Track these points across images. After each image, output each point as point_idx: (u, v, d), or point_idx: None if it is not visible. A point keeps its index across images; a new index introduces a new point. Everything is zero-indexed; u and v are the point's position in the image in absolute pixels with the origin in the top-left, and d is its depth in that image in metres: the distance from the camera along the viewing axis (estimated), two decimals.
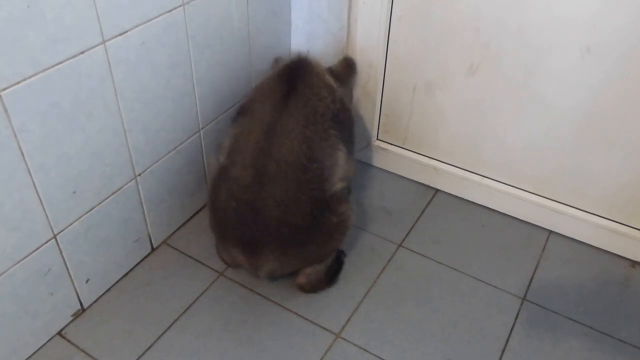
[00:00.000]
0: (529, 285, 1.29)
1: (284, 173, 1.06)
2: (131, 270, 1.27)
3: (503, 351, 1.15)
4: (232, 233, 1.11)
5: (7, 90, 0.84)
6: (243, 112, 1.17)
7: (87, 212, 1.09)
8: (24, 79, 0.86)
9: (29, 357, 1.09)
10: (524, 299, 1.26)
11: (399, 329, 1.18)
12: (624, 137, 1.24)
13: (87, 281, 1.15)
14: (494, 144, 1.41)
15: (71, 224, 1.06)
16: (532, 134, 1.34)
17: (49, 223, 1.02)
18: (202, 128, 1.31)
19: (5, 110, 0.85)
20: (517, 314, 1.22)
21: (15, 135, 0.88)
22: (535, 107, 1.30)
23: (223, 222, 1.13)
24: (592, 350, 1.16)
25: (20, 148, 0.90)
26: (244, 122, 1.14)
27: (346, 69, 1.41)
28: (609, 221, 1.36)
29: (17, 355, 1.06)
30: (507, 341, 1.16)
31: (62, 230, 1.05)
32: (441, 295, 1.26)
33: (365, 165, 1.63)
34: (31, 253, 1.00)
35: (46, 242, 1.02)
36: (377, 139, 1.60)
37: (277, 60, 1.36)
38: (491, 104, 1.36)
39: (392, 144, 1.58)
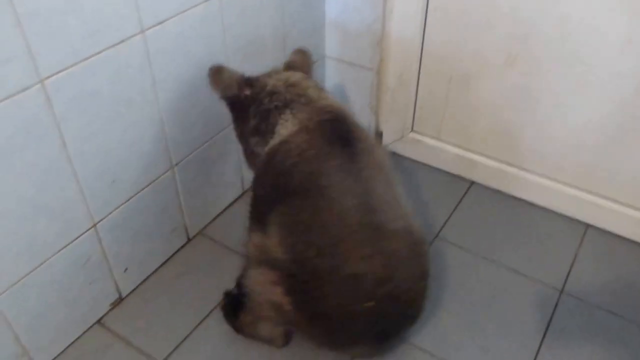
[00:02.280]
0: (566, 278, 1.26)
1: (403, 244, 0.92)
2: (168, 259, 1.28)
3: (541, 343, 1.12)
4: (363, 334, 0.93)
5: (50, 79, 0.85)
6: (285, 195, 0.94)
7: (125, 202, 1.10)
8: (66, 68, 0.87)
9: (69, 345, 1.10)
10: (561, 291, 1.23)
11: (436, 320, 1.16)
12: None
13: (125, 270, 1.17)
14: (532, 136, 1.38)
15: (110, 213, 1.07)
16: (571, 125, 1.30)
17: (89, 212, 1.03)
18: None
19: (48, 99, 0.86)
20: (555, 306, 1.20)
21: (57, 124, 0.89)
22: (575, 99, 1.26)
23: (346, 328, 0.92)
24: (630, 343, 1.12)
25: (62, 137, 0.91)
26: (306, 208, 0.91)
27: (307, 62, 1.16)
28: None
29: (57, 344, 1.08)
30: (545, 334, 1.14)
31: (101, 220, 1.06)
32: (478, 286, 1.24)
33: (399, 157, 1.61)
34: (71, 242, 1.02)
35: (86, 231, 1.04)
36: (412, 130, 1.58)
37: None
38: (529, 95, 1.32)
39: (427, 136, 1.56)
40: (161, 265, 1.27)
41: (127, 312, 1.17)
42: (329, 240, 0.88)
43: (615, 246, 1.34)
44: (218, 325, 1.15)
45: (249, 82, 1.05)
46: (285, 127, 0.98)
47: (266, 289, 0.93)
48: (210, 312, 1.17)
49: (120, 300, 1.19)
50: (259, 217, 0.98)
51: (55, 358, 1.08)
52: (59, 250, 1.00)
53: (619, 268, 1.29)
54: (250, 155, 1.10)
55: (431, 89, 1.48)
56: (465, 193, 1.50)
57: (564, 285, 1.24)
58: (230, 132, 1.30)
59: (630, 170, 1.29)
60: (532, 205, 1.45)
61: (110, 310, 1.17)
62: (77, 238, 1.02)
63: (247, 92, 1.04)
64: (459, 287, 1.23)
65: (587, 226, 1.39)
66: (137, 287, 1.22)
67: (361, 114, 1.61)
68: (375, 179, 0.95)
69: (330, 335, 0.93)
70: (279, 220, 0.92)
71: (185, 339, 1.13)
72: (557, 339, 1.13)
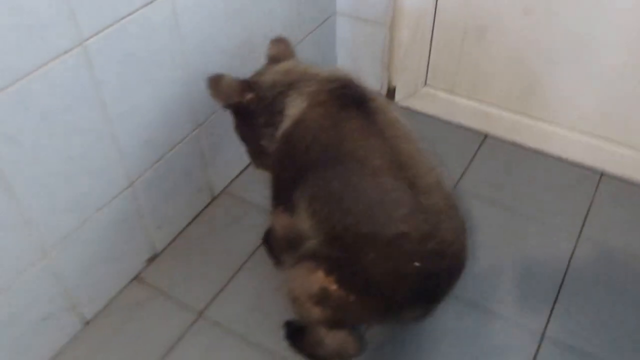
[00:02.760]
0: (583, 224, 1.31)
1: (439, 197, 0.90)
2: (196, 217, 1.32)
3: (560, 287, 1.18)
4: (415, 297, 0.91)
5: (90, 41, 0.87)
6: (311, 170, 0.92)
7: (157, 161, 1.13)
8: (104, 29, 0.89)
9: (110, 300, 1.16)
10: (578, 237, 1.28)
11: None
12: None
13: (158, 227, 1.21)
14: (547, 87, 1.40)
15: (144, 172, 1.11)
16: (586, 75, 1.33)
17: (127, 171, 1.06)
18: None
19: (89, 60, 0.88)
20: (573, 250, 1.25)
21: (97, 86, 0.92)
22: (591, 49, 1.29)
23: (397, 294, 0.90)
24: None
25: (101, 98, 0.93)
26: (335, 176, 0.90)
27: (289, 50, 1.13)
28: None
29: (98, 300, 1.13)
30: (564, 277, 1.20)
31: (137, 179, 1.09)
32: (495, 236, 1.29)
33: (413, 112, 1.64)
34: (111, 200, 1.05)
35: (124, 190, 1.07)
36: (425, 84, 1.60)
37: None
38: (545, 46, 1.34)
39: (440, 90, 1.59)
40: (190, 222, 1.31)
41: (163, 267, 1.22)
42: (365, 205, 0.87)
43: (630, 191, 1.39)
44: (250, 277, 1.20)
45: (248, 85, 1.02)
46: (295, 106, 0.96)
47: (307, 280, 0.92)
48: (242, 265, 1.23)
49: (155, 256, 1.23)
50: (285, 199, 0.98)
51: (99, 311, 1.13)
52: (101, 208, 1.04)
53: (635, 212, 1.34)
54: (256, 154, 1.10)
55: (445, 42, 1.49)
56: (480, 145, 1.53)
57: (581, 230, 1.30)
58: None
59: None
60: (546, 155, 1.48)
61: (146, 266, 1.22)
62: (116, 196, 1.06)
63: (249, 96, 1.01)
64: (480, 237, 1.28)
65: (602, 173, 1.43)
66: (170, 243, 1.26)
67: (373, 70, 1.62)
68: (397, 136, 0.93)
69: (382, 306, 0.92)
70: (308, 196, 0.92)
71: (221, 290, 1.18)
72: (576, 281, 1.19)
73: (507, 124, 1.52)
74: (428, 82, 1.60)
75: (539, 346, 1.09)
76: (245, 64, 1.26)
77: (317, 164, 0.91)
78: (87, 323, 1.11)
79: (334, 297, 0.90)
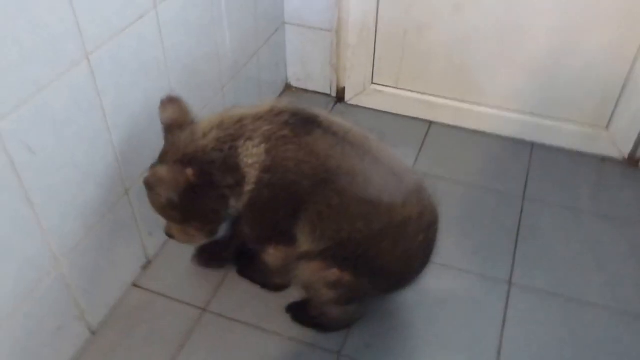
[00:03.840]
0: (525, 186, 1.51)
1: (420, 186, 1.02)
2: None
3: (516, 241, 1.36)
4: (419, 264, 1.06)
5: (93, 54, 0.93)
6: (303, 201, 0.97)
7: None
8: (104, 43, 0.94)
9: (114, 308, 1.19)
10: (523, 197, 1.48)
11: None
12: (585, 48, 1.47)
13: (150, 234, 1.25)
14: (480, 72, 1.60)
15: (139, 179, 1.15)
16: (513, 59, 1.54)
17: (122, 179, 1.11)
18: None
19: (92, 72, 0.93)
20: (521, 208, 1.44)
21: (99, 95, 0.97)
22: (515, 35, 1.50)
23: (408, 266, 1.04)
24: (597, 231, 1.39)
25: (103, 108, 0.99)
26: (332, 195, 0.95)
27: (184, 109, 1.05)
28: (582, 125, 1.60)
29: (103, 306, 1.16)
30: (518, 232, 1.37)
31: (131, 186, 1.14)
32: (453, 206, 1.44)
33: (362, 109, 1.78)
34: (111, 208, 1.10)
35: (121, 197, 1.12)
36: (372, 82, 1.76)
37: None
38: (476, 37, 1.54)
39: (386, 86, 1.75)
40: None
41: (158, 272, 1.27)
42: (369, 206, 0.95)
43: (557, 156, 1.61)
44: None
45: (182, 164, 0.97)
46: (251, 155, 0.97)
47: (322, 274, 1.01)
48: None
49: (149, 263, 1.27)
50: (279, 237, 1.04)
51: (105, 319, 1.16)
52: (104, 215, 1.08)
53: (564, 173, 1.56)
54: (217, 221, 1.08)
55: (388, 42, 1.66)
56: (427, 133, 1.71)
57: (524, 192, 1.49)
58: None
59: (564, 90, 1.55)
60: (485, 134, 1.68)
61: (142, 272, 1.26)
62: (115, 203, 1.10)
63: (190, 171, 0.96)
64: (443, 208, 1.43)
65: (533, 144, 1.65)
66: (161, 249, 1.31)
67: (323, 73, 1.76)
68: (357, 137, 1.00)
69: (394, 282, 1.04)
70: (310, 222, 0.97)
71: (219, 285, 1.24)
72: (529, 232, 1.38)
73: (448, 110, 1.70)
74: (374, 79, 1.75)
75: (508, 293, 1.25)
76: (212, 70, 1.35)
77: (310, 193, 0.96)
78: (94, 332, 1.14)
79: (348, 283, 1.01)
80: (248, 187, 0.99)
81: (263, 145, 0.96)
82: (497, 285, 1.26)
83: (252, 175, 0.97)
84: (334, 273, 1.00)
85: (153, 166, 1.01)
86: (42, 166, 0.89)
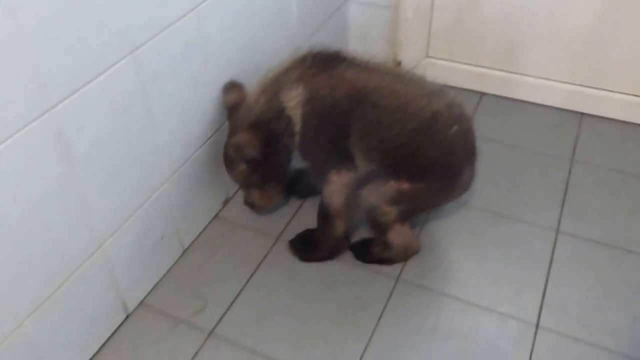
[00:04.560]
0: (574, 151, 1.60)
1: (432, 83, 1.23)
2: None
3: (564, 197, 1.46)
4: (462, 157, 1.19)
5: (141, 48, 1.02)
6: (351, 124, 1.13)
7: (193, 154, 1.27)
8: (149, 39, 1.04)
9: (201, 233, 1.36)
10: (572, 160, 1.57)
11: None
12: (635, 19, 1.55)
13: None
14: (531, 44, 1.71)
15: (183, 164, 1.24)
16: (563, 30, 1.64)
17: (167, 162, 1.19)
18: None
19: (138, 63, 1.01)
20: (569, 172, 1.53)
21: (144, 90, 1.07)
22: (564, 6, 1.60)
23: (452, 161, 1.17)
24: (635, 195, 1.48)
25: (147, 102, 1.08)
26: (375, 112, 1.11)
27: (243, 93, 1.27)
28: (631, 95, 1.68)
29: (192, 231, 1.33)
30: (564, 202, 1.46)
31: (174, 173, 1.22)
32: (503, 168, 1.55)
33: None
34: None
35: (165, 182, 1.20)
36: (427, 56, 1.88)
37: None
38: (527, 10, 1.65)
39: (440, 59, 1.87)
40: None
41: (235, 207, 1.43)
42: (401, 111, 1.11)
43: (606, 126, 1.70)
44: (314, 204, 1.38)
45: (250, 129, 1.17)
46: (291, 98, 1.15)
47: (381, 191, 1.15)
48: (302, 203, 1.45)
49: (228, 199, 1.45)
50: (341, 160, 1.16)
51: (193, 240, 1.34)
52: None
53: (612, 141, 1.65)
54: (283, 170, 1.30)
55: (443, 16, 1.78)
56: (479, 103, 1.82)
57: (573, 155, 1.59)
58: None
59: (613, 60, 1.64)
60: (534, 104, 1.78)
61: (223, 206, 1.43)
62: (159, 187, 1.19)
63: (259, 135, 1.18)
64: (489, 169, 1.53)
65: (582, 115, 1.74)
66: (239, 189, 1.47)
67: (381, 48, 1.89)
68: (386, 65, 1.23)
69: (445, 181, 1.18)
70: (359, 140, 1.13)
71: (290, 219, 1.40)
72: (577, 192, 1.47)
73: (499, 82, 1.81)
74: (429, 53, 1.88)
75: (555, 239, 1.35)
76: (276, 47, 1.46)
77: (349, 113, 1.12)
78: (185, 250, 1.31)
79: (407, 193, 1.15)
80: (297, 126, 1.17)
81: (299, 87, 1.14)
82: (545, 232, 1.36)
83: (297, 114, 1.16)
84: (391, 186, 1.15)
85: (227, 144, 1.22)
86: (94, 148, 0.98)
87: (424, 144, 1.13)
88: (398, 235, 1.24)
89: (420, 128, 1.12)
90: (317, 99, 1.14)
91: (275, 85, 1.17)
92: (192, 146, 1.24)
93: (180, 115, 1.17)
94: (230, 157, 1.23)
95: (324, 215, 1.24)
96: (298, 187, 1.43)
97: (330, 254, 1.30)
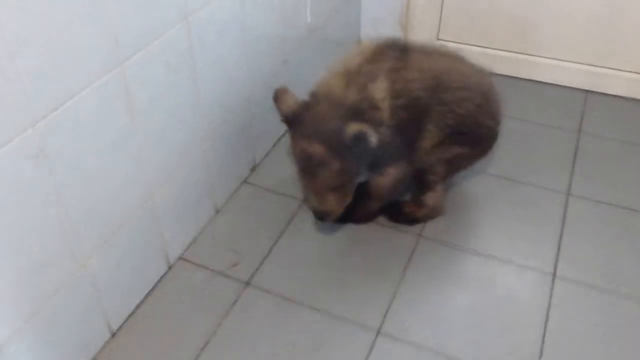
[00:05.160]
0: (580, 123, 1.69)
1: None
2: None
3: (573, 164, 1.54)
4: (494, 121, 1.30)
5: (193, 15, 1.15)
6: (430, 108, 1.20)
7: (225, 121, 1.40)
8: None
9: (230, 196, 1.43)
10: (579, 130, 1.66)
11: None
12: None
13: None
14: (539, 26, 1.80)
15: (216, 129, 1.39)
16: (570, 11, 1.73)
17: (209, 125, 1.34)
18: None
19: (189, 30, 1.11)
20: (576, 145, 1.62)
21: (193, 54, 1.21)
22: None
23: (496, 125, 1.30)
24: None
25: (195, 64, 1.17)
26: (444, 90, 1.20)
27: (295, 97, 1.23)
28: (636, 73, 1.78)
29: (223, 194, 1.41)
30: (573, 168, 1.54)
31: (212, 133, 1.37)
32: (512, 141, 1.62)
33: None
34: (196, 149, 1.35)
35: (204, 142, 1.36)
36: (437, 38, 1.97)
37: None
38: None
39: (450, 41, 1.96)
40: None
41: (262, 173, 1.51)
42: (466, 89, 1.22)
43: (612, 102, 1.79)
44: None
45: (366, 124, 1.13)
46: (380, 89, 1.16)
47: (446, 153, 1.26)
48: None
49: (255, 166, 1.52)
50: (406, 153, 1.23)
51: (224, 203, 1.41)
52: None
53: (618, 115, 1.74)
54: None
55: (455, 0, 1.87)
56: None
57: (580, 127, 1.68)
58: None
59: (620, 40, 1.74)
60: (543, 83, 1.87)
61: (250, 174, 1.50)
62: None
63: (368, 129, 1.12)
64: (500, 142, 1.60)
65: (587, 92, 1.83)
66: (265, 157, 1.55)
67: (393, 32, 1.98)
68: (441, 48, 1.37)
69: (491, 137, 1.31)
70: (434, 125, 1.21)
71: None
72: (585, 160, 1.56)
73: (508, 63, 1.90)
74: (440, 36, 1.96)
75: (566, 201, 1.43)
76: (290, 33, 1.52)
77: (429, 100, 1.19)
78: (217, 211, 1.38)
79: (464, 156, 1.30)
80: (385, 116, 1.16)
81: (385, 80, 1.17)
82: (557, 195, 1.45)
83: (385, 106, 1.16)
84: (455, 150, 1.26)
85: (303, 150, 1.15)
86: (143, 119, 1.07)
87: (486, 114, 1.26)
88: (434, 197, 1.34)
89: (482, 102, 1.25)
90: (406, 92, 1.18)
91: (361, 77, 1.17)
92: (227, 110, 1.32)
93: (219, 80, 1.25)
94: (316, 160, 1.14)
95: (368, 195, 1.32)
96: None
97: (363, 220, 1.38)
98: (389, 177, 1.26)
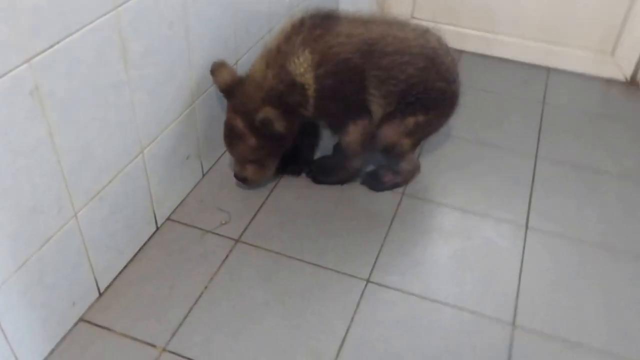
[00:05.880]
0: (544, 98, 1.80)
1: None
2: None
3: (539, 129, 1.64)
4: (456, 83, 1.33)
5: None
6: (364, 72, 1.21)
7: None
8: None
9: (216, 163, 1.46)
10: (543, 102, 1.77)
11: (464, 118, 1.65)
12: None
13: None
14: (504, 6, 1.90)
15: (207, 90, 1.35)
16: None
17: (199, 85, 1.38)
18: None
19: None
20: (541, 114, 1.72)
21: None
22: None
23: (451, 86, 1.31)
24: (605, 127, 1.68)
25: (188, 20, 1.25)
26: (381, 54, 1.21)
27: (232, 71, 1.30)
28: (591, 51, 1.90)
29: (209, 161, 1.44)
30: (539, 134, 1.65)
31: (202, 94, 1.35)
32: (481, 109, 1.73)
33: None
34: (187, 107, 1.33)
35: (194, 101, 1.38)
36: (412, 16, 2.05)
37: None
38: None
39: (424, 20, 2.04)
40: None
41: None
42: (407, 54, 1.22)
43: (570, 78, 1.91)
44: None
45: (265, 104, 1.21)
46: (300, 64, 1.19)
47: (401, 128, 1.28)
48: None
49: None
50: (358, 111, 1.26)
51: (216, 161, 1.44)
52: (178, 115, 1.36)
53: (577, 90, 1.86)
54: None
55: None
56: (459, 61, 1.99)
57: (544, 99, 1.78)
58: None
59: (575, 19, 1.85)
60: (508, 60, 1.98)
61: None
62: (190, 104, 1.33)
63: (271, 111, 1.20)
64: (471, 112, 1.71)
65: (549, 69, 1.94)
66: None
67: (369, 9, 2.04)
68: (377, 16, 1.39)
69: (449, 100, 1.32)
70: (375, 89, 1.22)
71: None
72: (551, 125, 1.66)
73: (476, 41, 1.99)
74: (414, 14, 2.04)
75: (535, 163, 1.53)
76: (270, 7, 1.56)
77: (363, 65, 1.21)
78: (204, 174, 1.41)
79: (422, 123, 1.30)
80: (310, 90, 1.21)
81: (305, 51, 1.18)
82: (526, 157, 1.55)
83: (309, 78, 1.19)
84: (409, 121, 1.28)
85: (229, 120, 1.26)
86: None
87: (433, 77, 1.26)
88: (408, 163, 1.40)
89: (427, 64, 1.25)
90: (329, 59, 1.19)
91: (279, 56, 1.20)
92: None
93: (210, 40, 1.28)
94: (236, 132, 1.25)
95: (344, 155, 1.36)
96: (291, 165, 1.45)
97: (343, 181, 1.42)
98: (353, 134, 1.29)
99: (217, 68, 1.27)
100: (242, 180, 1.35)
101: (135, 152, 1.13)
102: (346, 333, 1.10)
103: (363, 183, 1.44)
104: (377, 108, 1.28)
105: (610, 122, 1.71)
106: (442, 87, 1.28)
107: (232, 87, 1.26)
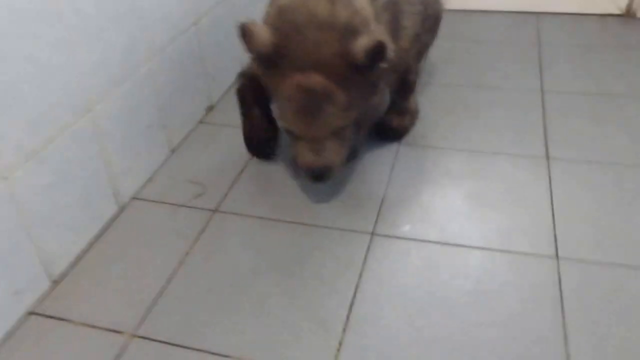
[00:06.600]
0: (538, 38, 1.65)
1: None
2: None
3: (540, 67, 1.49)
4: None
5: None
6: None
7: (174, 39, 1.31)
8: None
9: (189, 132, 1.29)
10: (539, 43, 1.63)
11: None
12: None
13: (213, 79, 1.36)
14: None
15: (166, 48, 1.27)
16: None
17: (159, 38, 1.23)
18: None
19: None
20: (539, 53, 1.57)
21: None
22: None
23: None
24: (606, 58, 1.54)
25: None
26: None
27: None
28: None
29: (180, 132, 1.26)
30: (541, 70, 1.50)
31: (162, 50, 1.26)
32: (471, 63, 1.56)
33: None
34: (144, 63, 1.22)
35: (152, 57, 1.23)
36: None
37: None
38: None
39: None
40: None
41: (221, 113, 1.38)
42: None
43: (563, 19, 1.78)
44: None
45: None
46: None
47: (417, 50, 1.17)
48: None
49: (211, 107, 1.39)
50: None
51: (185, 136, 1.28)
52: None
53: (571, 28, 1.72)
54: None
55: None
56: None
57: (538, 41, 1.64)
58: None
59: None
60: (492, 12, 1.85)
61: (206, 114, 1.37)
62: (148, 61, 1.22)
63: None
64: (460, 65, 1.55)
65: (538, 14, 1.81)
66: (220, 99, 1.42)
67: None
68: None
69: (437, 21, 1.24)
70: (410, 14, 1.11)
71: None
72: (552, 63, 1.51)
73: None
74: None
75: (542, 97, 1.37)
76: None
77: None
78: (173, 150, 1.23)
79: (427, 44, 1.23)
80: (373, 26, 1.02)
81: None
82: (531, 93, 1.39)
83: (369, 12, 1.00)
84: (422, 39, 1.16)
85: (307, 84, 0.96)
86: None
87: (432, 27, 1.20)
88: (413, 99, 1.26)
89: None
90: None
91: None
92: (175, 29, 1.20)
93: None
94: (318, 93, 0.95)
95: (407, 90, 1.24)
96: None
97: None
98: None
99: (249, 29, 0.96)
100: (323, 170, 1.03)
101: (81, 107, 0.96)
102: (355, 292, 0.90)
103: (376, 134, 1.25)
104: (404, 41, 1.11)
105: (612, 51, 1.57)
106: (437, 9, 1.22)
107: (280, 47, 0.96)
